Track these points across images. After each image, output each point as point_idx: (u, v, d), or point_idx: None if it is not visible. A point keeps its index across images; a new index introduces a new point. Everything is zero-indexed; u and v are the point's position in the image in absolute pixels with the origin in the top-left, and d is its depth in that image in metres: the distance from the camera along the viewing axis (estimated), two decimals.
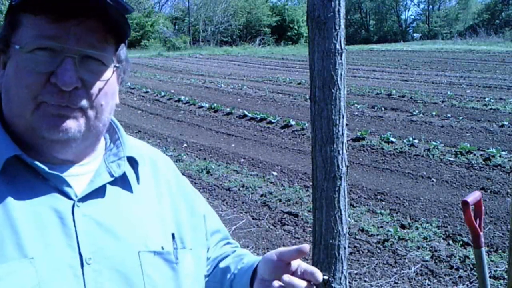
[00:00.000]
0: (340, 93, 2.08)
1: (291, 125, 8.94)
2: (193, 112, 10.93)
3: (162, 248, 0.90)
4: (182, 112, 11.09)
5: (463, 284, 3.53)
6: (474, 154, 6.60)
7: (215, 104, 11.23)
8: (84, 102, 0.82)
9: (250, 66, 21.57)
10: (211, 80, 16.42)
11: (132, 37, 37.29)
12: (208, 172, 6.43)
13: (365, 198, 5.31)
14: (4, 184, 0.79)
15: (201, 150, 7.71)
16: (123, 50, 0.90)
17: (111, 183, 0.88)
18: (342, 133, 2.13)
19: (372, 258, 3.95)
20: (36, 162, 0.80)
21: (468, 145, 6.86)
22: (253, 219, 4.86)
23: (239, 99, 12.36)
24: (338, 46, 2.04)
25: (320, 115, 2.10)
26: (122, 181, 0.90)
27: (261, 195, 5.49)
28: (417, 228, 4.45)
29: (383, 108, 10.20)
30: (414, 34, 53.70)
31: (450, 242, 4.19)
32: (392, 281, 3.61)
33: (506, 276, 3.39)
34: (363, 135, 7.79)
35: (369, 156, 6.99)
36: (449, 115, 9.16)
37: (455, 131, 8.11)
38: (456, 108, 9.92)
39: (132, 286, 0.83)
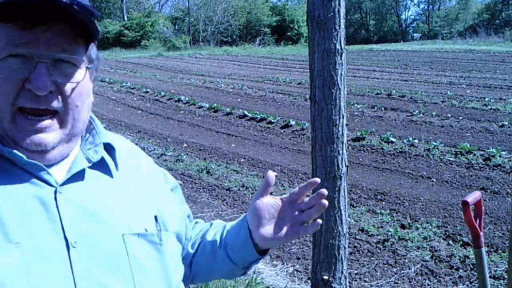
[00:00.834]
0: (340, 93, 2.08)
1: (291, 125, 8.94)
2: (193, 112, 10.93)
3: (146, 230, 0.92)
4: (182, 112, 11.09)
5: (463, 284, 3.53)
6: (474, 154, 6.60)
7: (215, 104, 11.22)
8: (60, 105, 0.84)
9: (250, 66, 21.54)
10: (211, 80, 16.41)
11: (132, 37, 37.55)
12: (208, 172, 6.43)
13: (365, 198, 5.31)
14: None
15: (201, 150, 7.71)
16: (93, 50, 0.92)
17: (91, 168, 0.91)
18: (342, 133, 2.13)
19: (372, 258, 3.95)
20: (14, 151, 0.82)
21: (468, 145, 6.85)
22: None
23: (239, 99, 12.36)
24: (338, 46, 2.04)
25: (320, 115, 2.10)
26: (101, 167, 0.93)
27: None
28: (417, 228, 4.45)
29: (383, 108, 10.20)
30: (414, 34, 53.67)
31: (450, 242, 4.19)
32: (392, 281, 3.61)
33: (506, 276, 3.39)
34: (363, 135, 7.79)
35: (369, 156, 6.99)
36: (449, 115, 9.15)
37: (455, 131, 8.10)
38: (456, 108, 9.91)
39: (118, 267, 0.85)
